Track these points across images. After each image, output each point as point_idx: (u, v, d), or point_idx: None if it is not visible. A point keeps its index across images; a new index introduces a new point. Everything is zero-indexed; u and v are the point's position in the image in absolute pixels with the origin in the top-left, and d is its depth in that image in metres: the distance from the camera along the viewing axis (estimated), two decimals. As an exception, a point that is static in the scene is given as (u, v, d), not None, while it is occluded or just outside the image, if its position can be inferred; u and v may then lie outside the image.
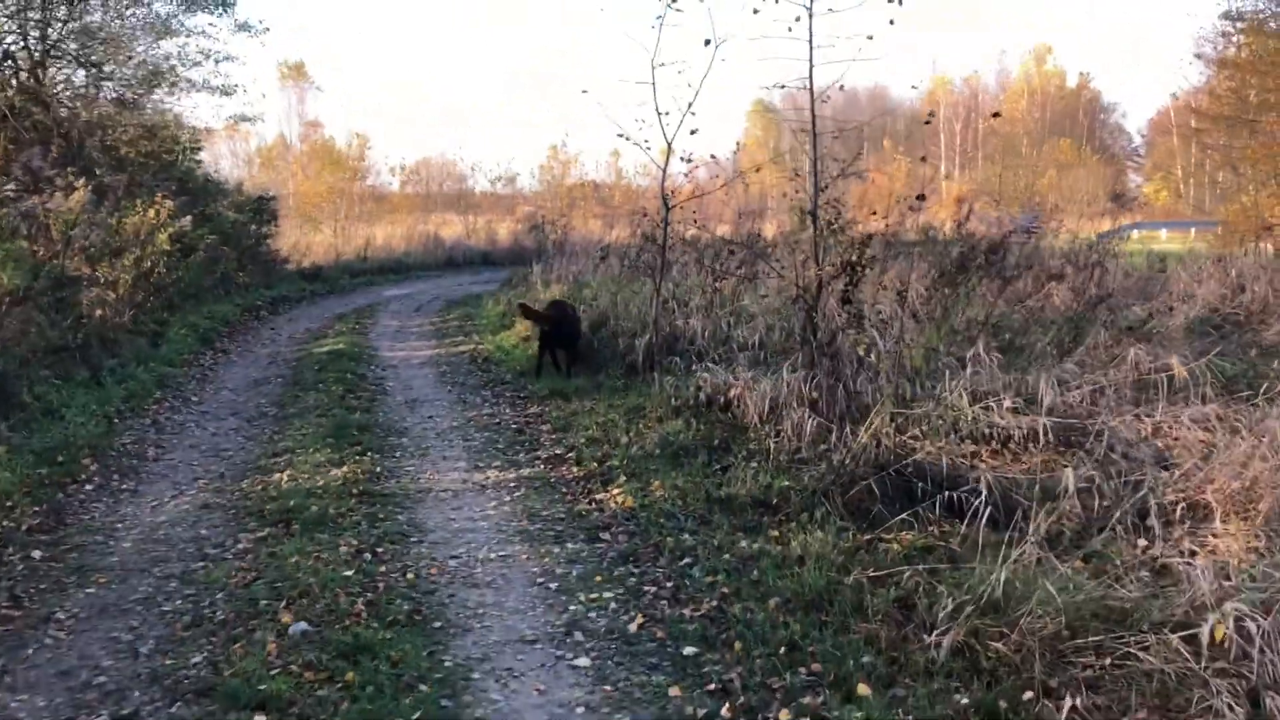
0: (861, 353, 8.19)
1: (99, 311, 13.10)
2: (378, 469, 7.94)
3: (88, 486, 7.62)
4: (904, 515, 6.06)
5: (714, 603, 5.23)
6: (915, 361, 8.98)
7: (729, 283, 11.71)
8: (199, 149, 23.29)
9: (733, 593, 5.32)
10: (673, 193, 10.05)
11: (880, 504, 6.37)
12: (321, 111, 66.58)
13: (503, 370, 12.33)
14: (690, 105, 9.89)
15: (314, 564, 5.80)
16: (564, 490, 7.44)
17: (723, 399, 9.23)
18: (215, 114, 31.16)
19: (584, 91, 26.46)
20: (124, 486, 7.71)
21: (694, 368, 10.36)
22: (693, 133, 10.17)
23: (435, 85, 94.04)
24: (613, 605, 5.33)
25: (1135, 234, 34.28)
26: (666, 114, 9.87)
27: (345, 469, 7.83)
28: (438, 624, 5.15)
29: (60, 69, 18.42)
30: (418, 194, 37.86)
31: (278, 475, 7.77)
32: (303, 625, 5.00)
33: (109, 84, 18.58)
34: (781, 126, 64.76)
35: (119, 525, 6.78)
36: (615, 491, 7.24)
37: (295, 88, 49.10)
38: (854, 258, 8.02)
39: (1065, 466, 6.47)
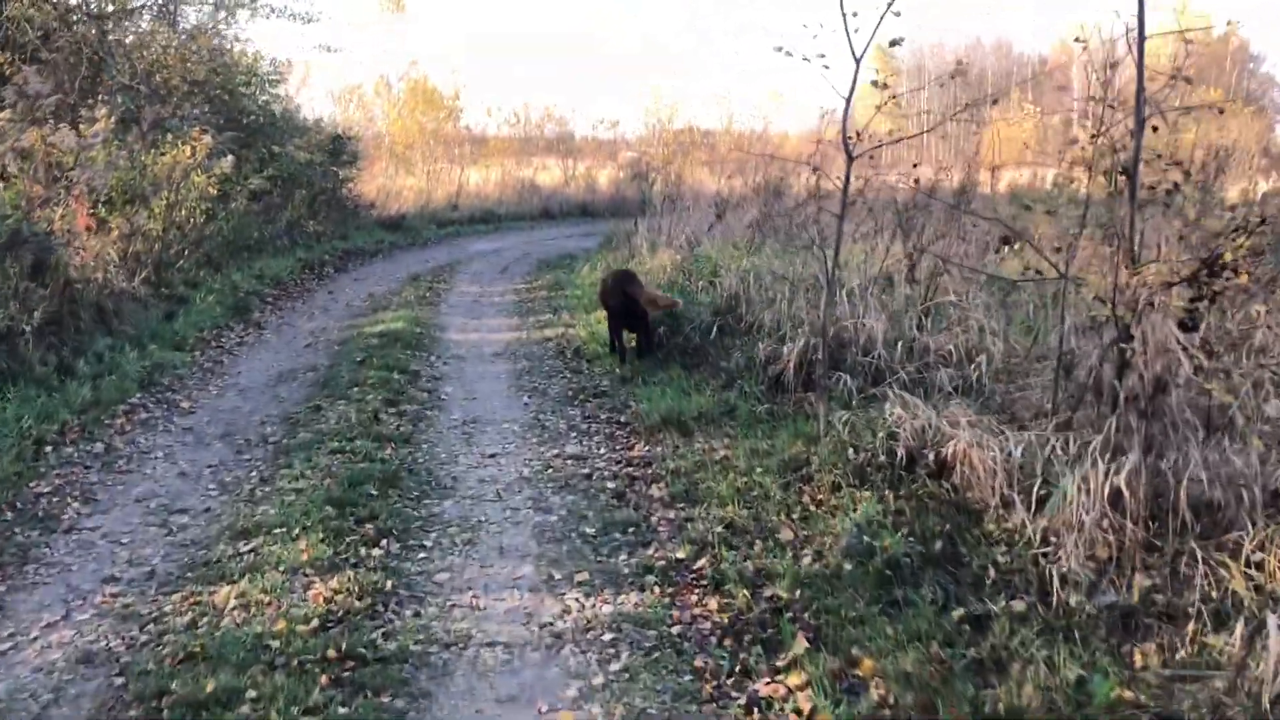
0: (1214, 416, 4.63)
1: (98, 275, 10.09)
2: (388, 584, 4.65)
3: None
4: None
5: None
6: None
7: (924, 262, 8.06)
8: (276, 81, 20.19)
9: None
10: (856, 135, 6.56)
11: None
12: (420, 51, 63.55)
13: (596, 371, 8.95)
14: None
15: None
16: (696, 664, 4.05)
17: (931, 457, 5.82)
18: (297, 44, 28.22)
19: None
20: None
21: (870, 390, 6.95)
22: (893, 43, 6.58)
23: (539, 21, 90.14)
24: None
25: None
26: (855, 14, 6.27)
27: (333, 585, 4.57)
28: None
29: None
30: (515, 138, 34.46)
31: (223, 590, 4.56)
32: None
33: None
34: (899, 72, 59.84)
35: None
36: (794, 685, 3.84)
37: (396, 22, 46.00)
38: (1223, 254, 4.42)
39: None
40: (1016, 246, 6.19)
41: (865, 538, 5.09)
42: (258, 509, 5.61)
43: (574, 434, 7.14)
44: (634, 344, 9.10)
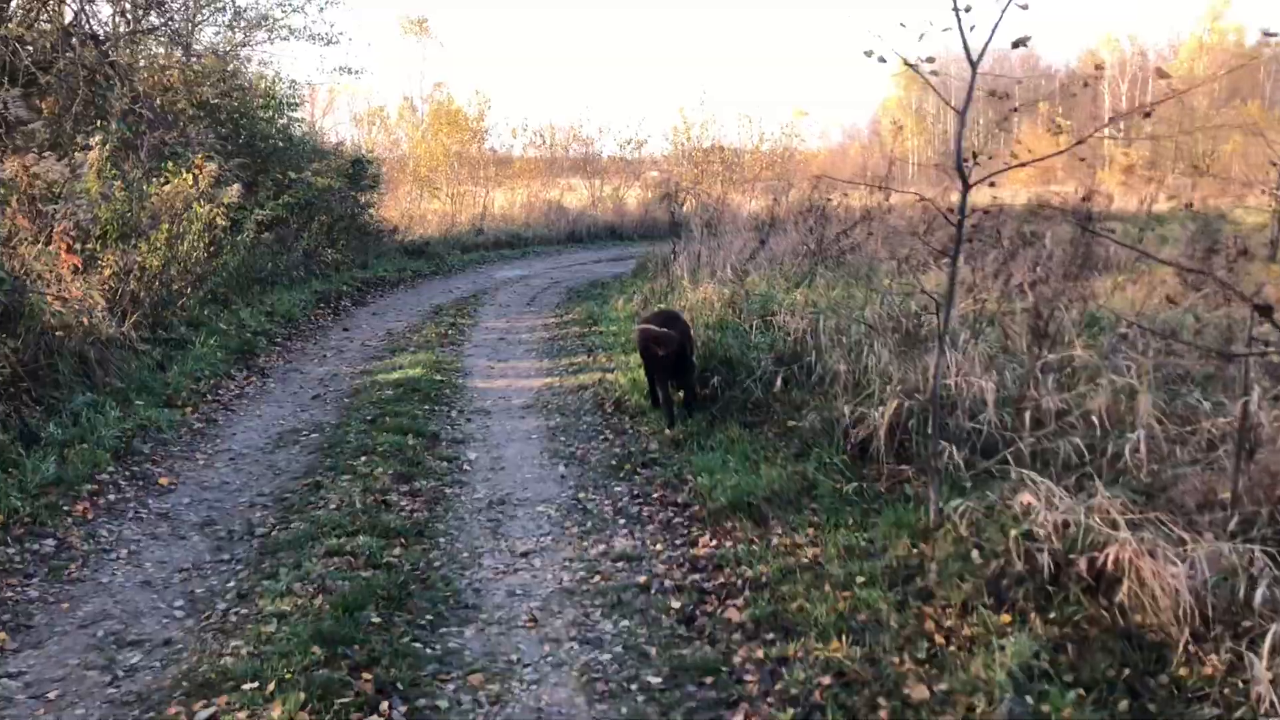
0: None
1: (81, 320, 8.88)
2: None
3: None
4: None
5: None
6: None
7: (1050, 304, 6.63)
8: (295, 105, 19.10)
9: None
10: (972, 157, 5.18)
11: None
12: (445, 73, 62.66)
13: (642, 431, 7.62)
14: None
15: None
16: None
17: (1084, 566, 4.52)
18: (318, 66, 27.24)
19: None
20: None
21: (980, 464, 5.66)
22: (1017, 44, 5.24)
23: (564, 40, 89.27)
24: None
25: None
26: (968, 8, 4.94)
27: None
28: None
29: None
30: (541, 158, 33.28)
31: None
32: None
33: (153, 18, 14.30)
34: (926, 89, 58.29)
35: None
36: None
37: (419, 45, 45.12)
38: None
39: None
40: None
41: (1027, 697, 3.75)
42: (228, 643, 4.31)
43: (623, 521, 5.80)
44: (679, 397, 7.79)
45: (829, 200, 14.76)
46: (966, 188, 5.14)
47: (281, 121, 18.10)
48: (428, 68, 64.91)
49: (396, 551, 5.26)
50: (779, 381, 7.45)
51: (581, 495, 6.25)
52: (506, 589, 4.90)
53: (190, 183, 11.56)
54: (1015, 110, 5.39)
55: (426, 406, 8.32)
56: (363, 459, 6.81)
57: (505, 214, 26.70)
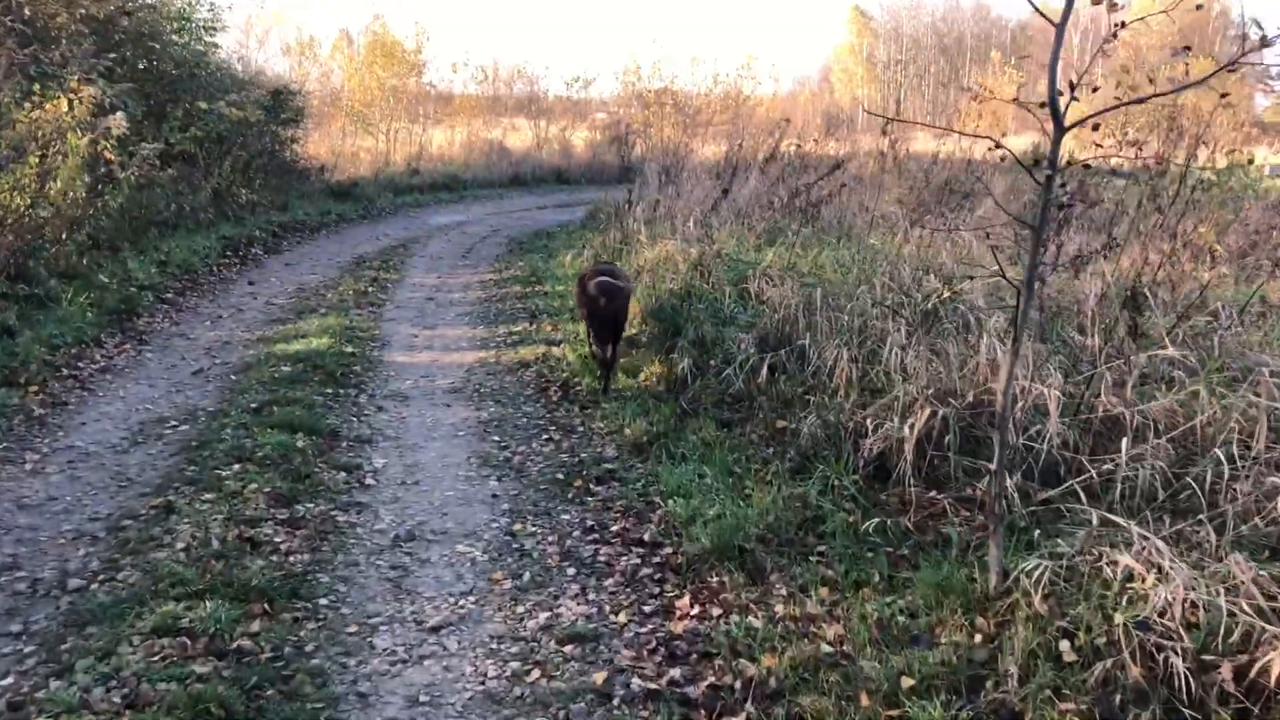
0: None
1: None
2: None
3: None
4: None
5: None
6: None
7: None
8: (214, 29, 16.93)
9: None
10: (1070, 86, 3.70)
11: None
12: (385, 7, 59.25)
13: (597, 428, 6.08)
14: None
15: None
16: None
17: (1229, 674, 3.12)
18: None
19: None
20: None
21: (1038, 492, 4.29)
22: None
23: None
24: None
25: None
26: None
27: None
28: None
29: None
30: (484, 95, 31.09)
31: None
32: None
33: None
34: (877, 35, 56.58)
35: None
36: None
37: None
38: None
39: None
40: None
41: None
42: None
43: (572, 572, 4.27)
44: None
45: (797, 145, 13.23)
46: (1061, 129, 3.62)
47: (197, 47, 16.03)
48: (367, 2, 61.41)
49: (255, 626, 3.69)
50: (764, 370, 5.94)
51: (517, 528, 4.71)
52: (406, 695, 3.37)
53: (65, 108, 9.67)
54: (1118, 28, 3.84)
55: (329, 390, 6.69)
56: (235, 467, 5.19)
57: (444, 154, 24.73)
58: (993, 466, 3.79)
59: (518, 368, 7.45)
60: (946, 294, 5.75)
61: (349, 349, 7.75)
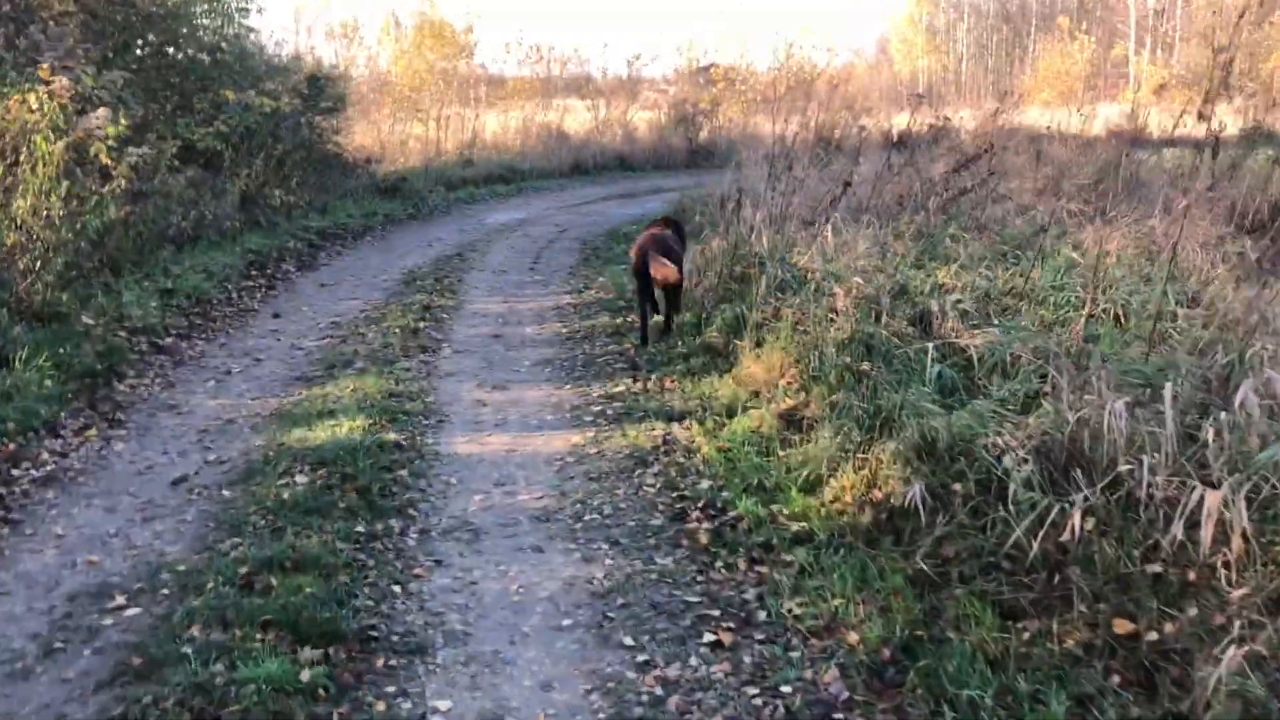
0: None
1: None
2: None
3: None
4: None
5: None
6: None
7: None
8: (246, 11, 14.56)
9: None
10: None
11: None
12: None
13: (793, 608, 3.64)
14: None
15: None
16: None
17: None
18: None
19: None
20: None
21: None
22: None
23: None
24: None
25: None
26: None
27: None
28: None
29: None
30: (537, 77, 28.53)
31: None
32: None
33: None
34: (936, 3, 52.94)
35: None
36: None
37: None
38: None
39: None
40: None
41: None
42: None
43: None
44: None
45: (946, 120, 10.65)
46: None
47: (229, 30, 13.73)
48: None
49: None
50: (1077, 520, 3.44)
51: None
52: None
53: (34, 106, 7.43)
54: None
55: (361, 525, 4.30)
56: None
57: (498, 141, 22.29)
58: None
59: (631, 465, 5.03)
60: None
61: (392, 434, 5.37)
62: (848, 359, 5.33)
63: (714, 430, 5.31)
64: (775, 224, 8.60)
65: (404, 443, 5.32)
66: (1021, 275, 6.60)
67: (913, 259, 7.50)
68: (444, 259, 11.10)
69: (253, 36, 14.80)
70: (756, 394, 5.73)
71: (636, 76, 27.74)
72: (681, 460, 5.00)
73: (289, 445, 5.24)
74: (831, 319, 5.90)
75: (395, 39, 29.08)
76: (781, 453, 4.85)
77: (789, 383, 5.59)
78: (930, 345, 5.17)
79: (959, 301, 5.91)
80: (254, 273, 9.86)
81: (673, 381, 6.21)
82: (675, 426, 5.46)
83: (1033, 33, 50.17)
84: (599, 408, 5.91)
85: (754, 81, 25.83)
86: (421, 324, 7.98)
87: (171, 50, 12.52)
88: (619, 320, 7.94)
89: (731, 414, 5.50)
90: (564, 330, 7.85)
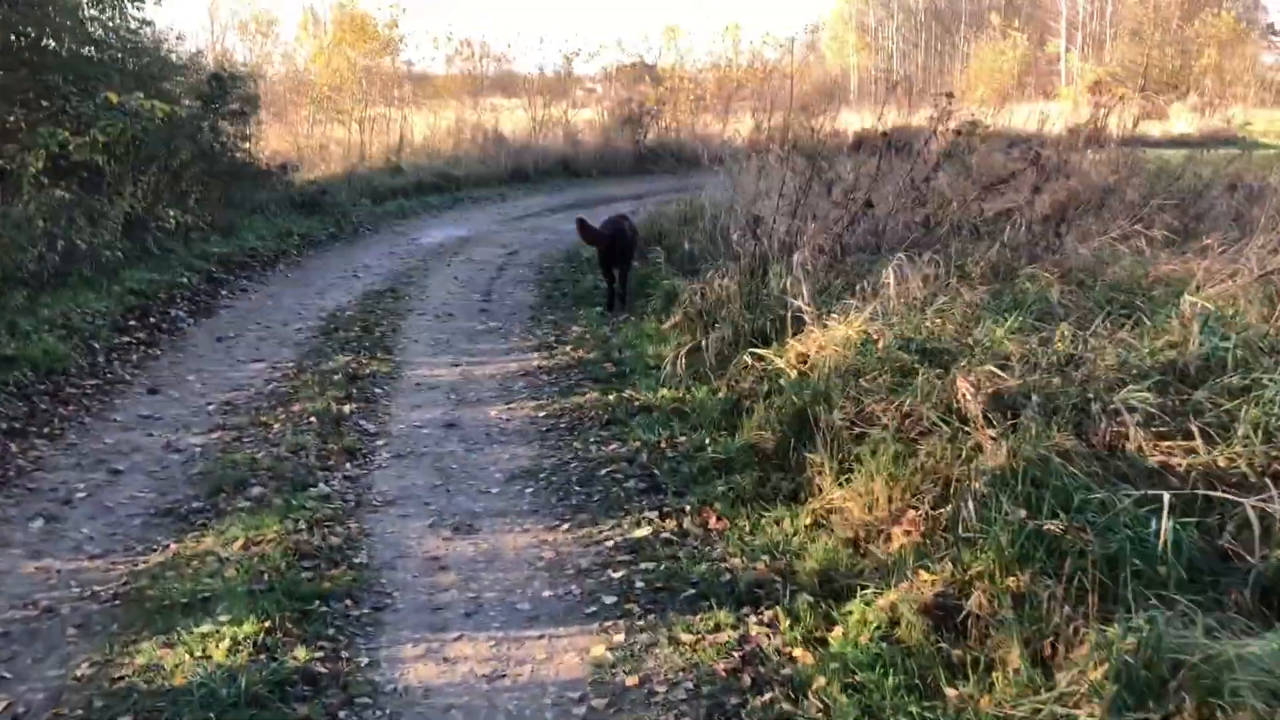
0: None
1: None
2: None
3: None
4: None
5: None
6: None
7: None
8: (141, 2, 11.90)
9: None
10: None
11: None
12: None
13: None
14: None
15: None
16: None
17: None
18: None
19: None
20: None
21: None
22: None
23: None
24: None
25: None
26: None
27: None
28: None
29: None
30: (467, 74, 26.03)
31: None
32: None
33: None
34: (868, 1, 51.46)
35: None
36: None
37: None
38: None
39: None
40: None
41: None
42: None
43: None
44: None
45: (976, 126, 8.79)
46: None
47: (118, 22, 11.25)
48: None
49: None
50: None
51: None
52: None
53: None
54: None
55: None
56: None
57: (428, 145, 19.90)
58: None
59: (704, 716, 2.96)
60: None
61: (301, 653, 3.22)
62: (1017, 506, 3.35)
63: (816, 631, 3.28)
64: (785, 255, 6.62)
65: (321, 671, 3.17)
66: (1171, 346, 4.71)
67: (992, 315, 5.55)
68: (373, 296, 8.88)
69: (148, 30, 12.26)
70: (855, 544, 3.74)
71: (569, 73, 25.49)
72: (786, 707, 2.95)
73: (125, 685, 3.06)
74: (959, 426, 3.91)
75: (314, 35, 26.43)
76: (951, 691, 2.86)
77: (910, 534, 3.60)
78: (1138, 486, 3.21)
79: (1137, 394, 3.98)
80: (133, 323, 7.54)
81: (719, 519, 4.15)
82: (752, 621, 3.41)
83: (963, 29, 49.14)
84: (620, 574, 3.82)
85: (701, 79, 23.87)
86: (347, 406, 5.78)
87: (53, 44, 10.10)
88: (610, 396, 5.84)
89: (832, 590, 3.49)
90: (541, 414, 5.72)
